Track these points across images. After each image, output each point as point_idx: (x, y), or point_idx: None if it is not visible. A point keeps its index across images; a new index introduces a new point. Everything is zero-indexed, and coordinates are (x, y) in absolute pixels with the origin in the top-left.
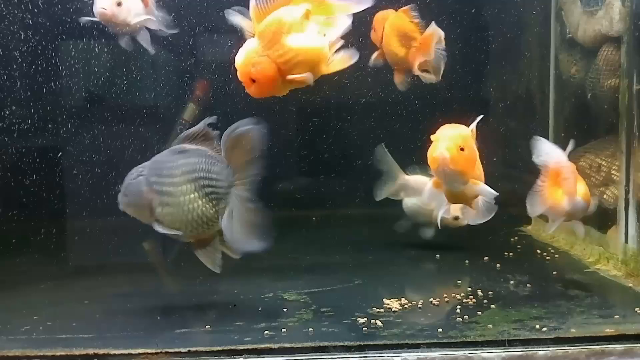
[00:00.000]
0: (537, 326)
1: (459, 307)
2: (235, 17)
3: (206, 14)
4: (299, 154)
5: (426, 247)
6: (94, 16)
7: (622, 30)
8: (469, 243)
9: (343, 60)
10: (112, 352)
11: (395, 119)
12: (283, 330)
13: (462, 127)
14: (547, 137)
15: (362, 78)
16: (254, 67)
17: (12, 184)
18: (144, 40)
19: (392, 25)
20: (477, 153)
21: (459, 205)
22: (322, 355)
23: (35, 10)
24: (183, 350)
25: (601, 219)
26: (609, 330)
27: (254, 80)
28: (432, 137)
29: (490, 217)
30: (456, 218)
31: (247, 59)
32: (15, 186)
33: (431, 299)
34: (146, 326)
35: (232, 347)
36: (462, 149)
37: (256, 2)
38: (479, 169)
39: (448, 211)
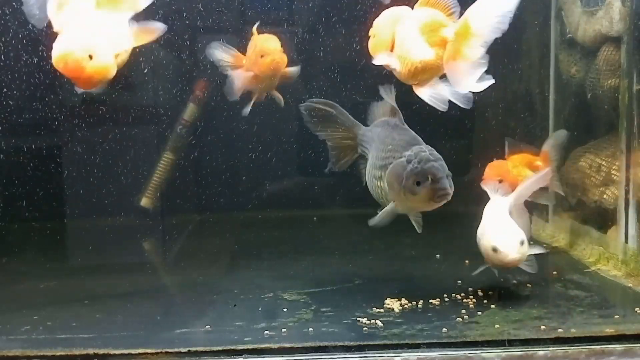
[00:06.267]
0: (542, 327)
1: (459, 307)
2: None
3: (206, 13)
4: (298, 153)
5: (426, 247)
6: None
7: (622, 30)
8: (469, 243)
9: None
10: (112, 352)
11: None
12: (283, 330)
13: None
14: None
15: None
16: None
17: (13, 183)
18: None
19: None
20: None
21: (499, 236)
22: (322, 355)
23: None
24: (183, 350)
25: (601, 219)
26: (609, 330)
27: None
28: None
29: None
30: (495, 250)
31: None
32: (15, 186)
33: (431, 299)
34: (146, 326)
35: (232, 347)
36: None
37: None
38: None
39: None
